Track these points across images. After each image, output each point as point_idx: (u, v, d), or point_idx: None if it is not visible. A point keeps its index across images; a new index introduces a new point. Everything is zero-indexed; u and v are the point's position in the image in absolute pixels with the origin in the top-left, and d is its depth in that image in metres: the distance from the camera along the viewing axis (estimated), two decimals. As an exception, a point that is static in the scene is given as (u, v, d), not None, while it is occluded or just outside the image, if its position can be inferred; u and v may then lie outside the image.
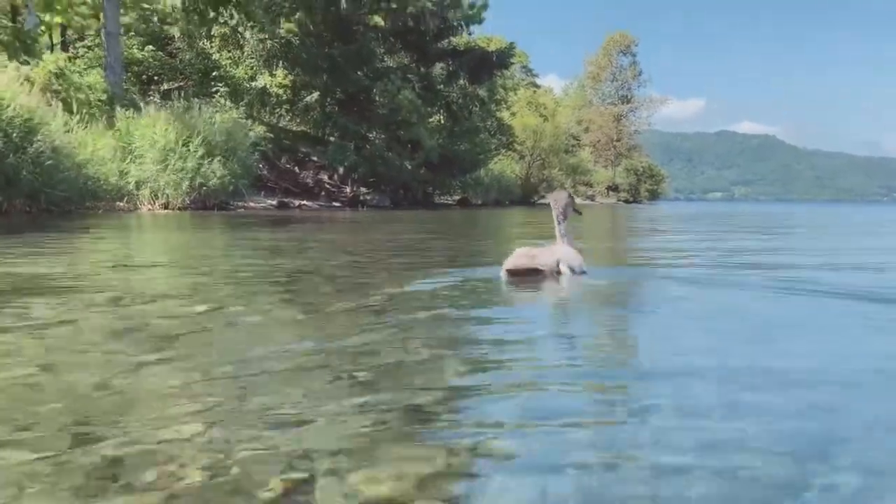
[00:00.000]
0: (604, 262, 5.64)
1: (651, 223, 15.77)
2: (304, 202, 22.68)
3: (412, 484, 1.28)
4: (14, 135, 11.94)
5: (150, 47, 26.13)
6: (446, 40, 29.40)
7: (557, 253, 4.18)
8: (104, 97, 17.39)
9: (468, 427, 1.59)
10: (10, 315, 2.80)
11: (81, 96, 16.38)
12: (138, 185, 15.31)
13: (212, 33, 26.64)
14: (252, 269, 4.82)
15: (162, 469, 1.31)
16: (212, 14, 24.80)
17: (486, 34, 42.63)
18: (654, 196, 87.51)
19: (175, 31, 26.52)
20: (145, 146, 15.71)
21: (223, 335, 2.53)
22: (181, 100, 18.07)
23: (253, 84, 26.84)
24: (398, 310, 3.06)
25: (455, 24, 28.48)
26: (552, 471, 1.35)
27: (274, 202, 20.93)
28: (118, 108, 16.43)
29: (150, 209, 15.18)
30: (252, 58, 27.09)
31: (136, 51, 25.66)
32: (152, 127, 16.04)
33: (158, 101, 18.59)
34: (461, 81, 29.63)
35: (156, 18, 26.44)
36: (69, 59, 18.91)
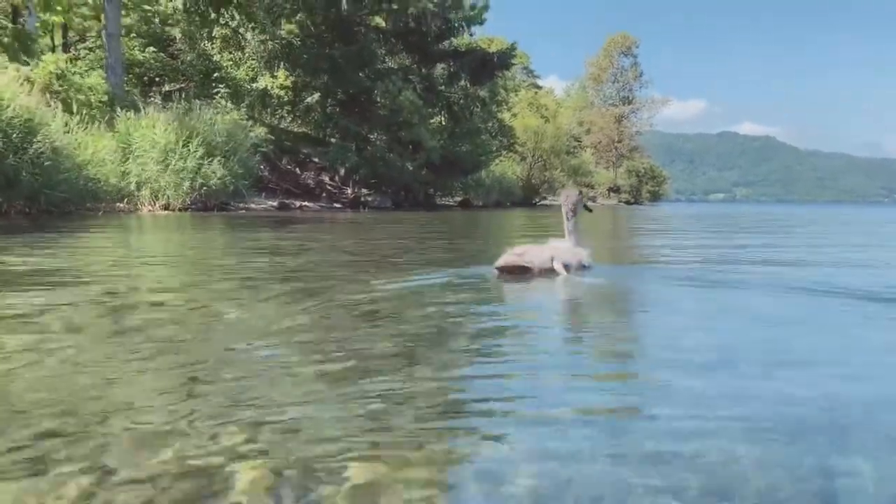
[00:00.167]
0: (602, 260, 5.61)
1: (653, 223, 15.74)
2: (306, 203, 22.65)
3: (408, 481, 1.26)
4: (14, 135, 11.92)
5: (152, 48, 26.12)
6: (447, 41, 29.38)
7: (552, 251, 4.18)
8: (105, 98, 17.38)
9: (461, 420, 1.57)
10: None
11: (82, 97, 16.37)
12: (139, 186, 15.28)
13: (213, 35, 26.66)
14: (250, 268, 4.80)
15: (137, 463, 1.30)
16: (213, 15, 24.84)
17: (487, 35, 42.65)
18: (655, 197, 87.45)
19: (176, 33, 26.55)
20: (145, 147, 15.69)
21: (213, 333, 2.51)
22: (182, 101, 18.07)
23: (254, 85, 26.83)
24: (393, 307, 3.06)
25: (456, 25, 28.46)
26: (554, 462, 1.34)
27: (275, 203, 20.90)
28: (119, 110, 16.41)
29: (150, 210, 15.16)
30: (253, 59, 27.09)
31: (137, 52, 25.65)
32: (152, 128, 16.03)
33: (160, 102, 18.56)
34: (462, 82, 29.61)
35: (157, 20, 26.50)
36: (70, 60, 18.90)
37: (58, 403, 1.66)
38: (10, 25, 18.11)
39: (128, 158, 15.45)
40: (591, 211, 5.06)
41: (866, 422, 1.64)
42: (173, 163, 15.73)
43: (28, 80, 14.38)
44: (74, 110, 15.12)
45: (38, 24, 20.20)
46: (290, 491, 1.23)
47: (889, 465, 1.39)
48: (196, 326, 2.61)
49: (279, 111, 28.03)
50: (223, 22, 25.82)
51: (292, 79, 26.99)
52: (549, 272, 4.11)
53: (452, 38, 29.55)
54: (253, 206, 19.07)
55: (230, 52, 27.71)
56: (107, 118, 16.06)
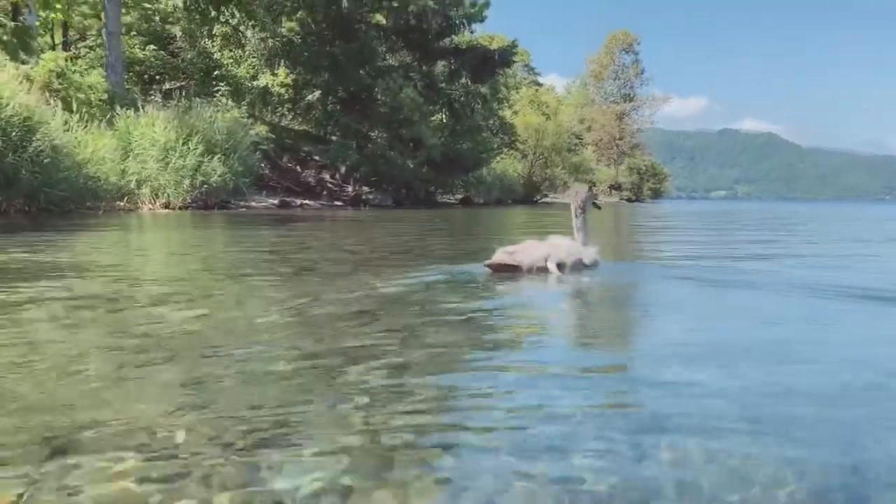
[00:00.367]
0: (604, 257, 5.57)
1: (654, 220, 15.70)
2: (306, 201, 22.63)
3: (406, 483, 1.23)
4: (13, 134, 11.88)
5: (152, 47, 26.10)
6: (448, 38, 29.32)
7: (548, 249, 4.14)
8: (105, 97, 17.35)
9: (453, 415, 1.54)
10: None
11: (82, 96, 16.34)
12: (139, 185, 15.25)
13: (213, 32, 26.60)
14: (246, 266, 4.77)
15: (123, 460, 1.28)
16: (213, 13, 24.78)
17: (487, 33, 42.59)
18: (656, 195, 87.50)
19: (177, 31, 26.52)
20: (145, 145, 15.66)
21: (209, 332, 2.47)
22: (183, 99, 18.04)
23: (254, 83, 26.79)
24: (379, 305, 3.04)
25: (457, 22, 28.40)
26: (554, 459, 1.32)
27: (276, 201, 20.88)
28: (119, 108, 16.39)
29: (150, 209, 15.12)
30: (254, 57, 27.03)
31: (137, 50, 25.63)
32: (152, 126, 16.00)
33: (160, 100, 18.53)
34: (463, 80, 29.55)
35: (157, 18, 26.47)
36: (71, 58, 18.87)
37: (42, 402, 1.63)
38: (9, 23, 18.05)
39: (128, 157, 15.41)
40: (600, 208, 4.99)
41: (867, 420, 1.60)
42: (173, 161, 15.71)
43: (27, 78, 14.33)
44: (74, 109, 15.09)
45: (38, 23, 20.15)
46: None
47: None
48: (185, 323, 2.58)
49: (280, 109, 27.98)
50: (223, 20, 25.76)
51: (293, 76, 26.92)
52: (543, 271, 4.07)
53: (453, 36, 29.48)
54: (253, 204, 19.05)
55: (231, 50, 27.66)
56: (107, 117, 16.02)
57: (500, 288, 3.70)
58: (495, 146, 36.29)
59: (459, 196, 33.43)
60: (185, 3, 24.45)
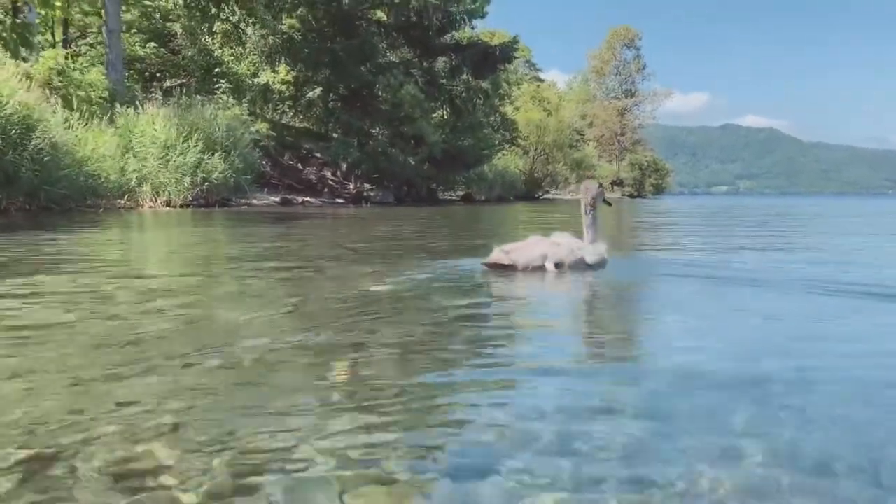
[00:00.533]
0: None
1: (657, 216, 15.66)
2: (308, 199, 22.59)
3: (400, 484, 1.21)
4: (13, 132, 11.84)
5: (153, 44, 26.05)
6: (449, 35, 29.22)
7: (547, 248, 4.11)
8: (105, 94, 17.32)
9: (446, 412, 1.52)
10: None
11: (82, 93, 16.30)
12: (139, 182, 15.21)
13: (214, 30, 26.52)
14: (245, 264, 4.73)
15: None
16: (213, 10, 24.73)
17: (488, 29, 42.46)
18: (658, 190, 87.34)
19: (177, 28, 26.46)
20: (146, 142, 15.63)
21: (206, 329, 2.43)
22: (183, 96, 18.01)
23: (255, 80, 26.73)
24: (385, 304, 3.01)
25: (458, 18, 28.31)
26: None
27: (277, 199, 20.84)
28: (119, 106, 16.35)
29: (151, 206, 15.09)
30: (254, 54, 26.96)
31: (138, 48, 25.58)
32: (152, 124, 15.97)
33: (160, 98, 18.48)
34: (464, 76, 29.47)
35: (158, 15, 26.42)
36: (71, 56, 18.83)
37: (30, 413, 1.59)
38: (8, 20, 18.00)
39: (128, 154, 15.38)
40: (610, 205, 4.92)
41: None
42: (173, 158, 15.68)
43: (27, 75, 14.29)
44: (74, 106, 15.05)
45: (38, 21, 20.10)
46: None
47: None
48: (177, 322, 2.54)
49: (281, 106, 27.92)
50: (224, 17, 25.70)
51: (294, 74, 26.86)
52: (539, 269, 4.06)
53: (454, 32, 29.39)
54: (255, 201, 19.01)
55: (231, 48, 27.59)
56: (107, 115, 15.98)
57: (494, 287, 3.68)
58: (497, 142, 36.18)
59: (461, 193, 33.35)
60: (185, 0, 24.41)
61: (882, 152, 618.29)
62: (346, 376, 1.76)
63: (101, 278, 3.95)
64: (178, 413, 1.59)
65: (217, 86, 25.31)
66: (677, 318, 2.90)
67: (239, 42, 27.28)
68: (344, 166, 25.50)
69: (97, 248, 6.06)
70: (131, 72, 24.88)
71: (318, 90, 26.78)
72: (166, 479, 1.26)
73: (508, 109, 41.98)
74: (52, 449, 1.38)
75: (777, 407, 1.67)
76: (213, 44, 27.23)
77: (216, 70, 26.39)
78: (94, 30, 24.83)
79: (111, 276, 4.11)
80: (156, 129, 15.87)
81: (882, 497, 1.24)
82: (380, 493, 1.21)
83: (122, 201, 14.70)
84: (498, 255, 4.09)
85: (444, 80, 29.22)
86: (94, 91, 17.04)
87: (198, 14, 24.99)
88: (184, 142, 16.00)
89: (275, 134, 25.59)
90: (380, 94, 26.44)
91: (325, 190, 25.18)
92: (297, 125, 28.11)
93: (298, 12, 26.06)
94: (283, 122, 27.77)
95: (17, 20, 18.32)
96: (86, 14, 23.79)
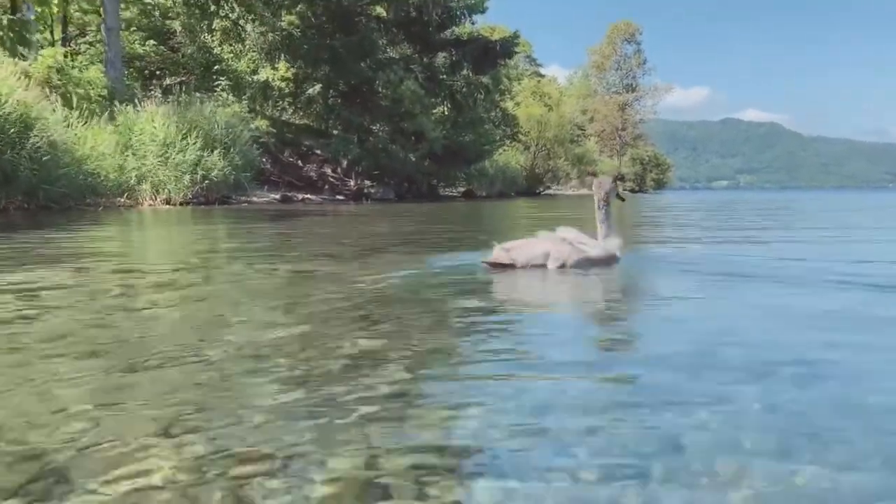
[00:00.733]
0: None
1: (659, 213, 15.60)
2: (308, 196, 22.53)
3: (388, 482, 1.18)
4: (11, 131, 11.79)
5: (152, 42, 25.98)
6: (449, 30, 29.15)
7: (549, 246, 4.06)
8: (104, 92, 17.26)
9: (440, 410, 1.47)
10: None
11: (81, 91, 16.24)
12: (139, 180, 15.16)
13: (213, 27, 26.44)
14: (241, 263, 4.68)
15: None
16: (213, 7, 24.68)
17: (488, 24, 42.37)
18: (659, 185, 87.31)
19: (176, 26, 26.38)
20: (145, 140, 15.59)
21: (199, 328, 2.37)
22: (183, 94, 17.95)
23: (255, 77, 26.66)
24: (382, 303, 2.95)
25: (458, 13, 28.24)
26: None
27: (277, 196, 20.79)
28: (118, 104, 16.30)
29: (151, 205, 15.04)
30: (254, 51, 26.89)
31: (137, 46, 25.52)
32: (152, 121, 15.92)
33: (160, 95, 18.42)
34: (465, 71, 29.39)
35: (157, 13, 26.35)
36: (71, 54, 18.77)
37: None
38: (5, 19, 17.92)
39: (127, 153, 15.33)
40: (623, 200, 4.81)
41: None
42: (173, 155, 15.63)
43: (26, 74, 14.23)
44: (74, 105, 15.00)
45: (34, 17, 20.04)
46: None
47: None
48: (173, 319, 2.48)
49: (280, 103, 27.85)
50: (223, 14, 25.64)
51: (293, 70, 26.79)
52: (541, 267, 4.01)
53: (454, 27, 29.31)
54: (255, 199, 18.95)
55: (231, 45, 27.51)
56: (106, 112, 15.92)
57: (492, 285, 3.64)
58: (497, 138, 36.15)
59: (462, 189, 33.32)
60: (184, -3, 24.39)
61: (882, 146, 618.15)
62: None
63: (95, 276, 3.89)
64: (166, 416, 1.52)
65: (217, 83, 25.26)
66: (680, 314, 2.83)
67: (238, 39, 27.18)
68: (344, 163, 25.45)
69: (93, 246, 6.00)
70: (131, 70, 24.82)
71: (318, 87, 26.70)
72: (157, 484, 1.20)
73: (509, 105, 41.94)
74: (35, 452, 1.32)
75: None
76: (213, 41, 27.15)
77: (216, 67, 26.32)
78: (94, 28, 24.76)
79: (105, 272, 4.05)
80: (155, 127, 15.83)
81: None
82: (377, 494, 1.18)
83: (122, 200, 14.64)
84: (498, 253, 4.05)
85: (445, 76, 29.15)
86: (93, 89, 16.99)
87: (197, 11, 24.95)
88: (183, 139, 15.95)
89: (275, 131, 25.53)
90: (380, 90, 26.38)
91: (326, 187, 25.12)
92: (297, 122, 28.04)
93: (297, 9, 25.96)
94: (283, 119, 27.70)
95: (15, 18, 18.22)
96: (85, 12, 23.73)
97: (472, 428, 1.49)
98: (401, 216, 12.46)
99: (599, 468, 1.28)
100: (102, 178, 14.11)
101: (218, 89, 24.34)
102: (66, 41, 23.85)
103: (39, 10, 20.33)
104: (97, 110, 15.76)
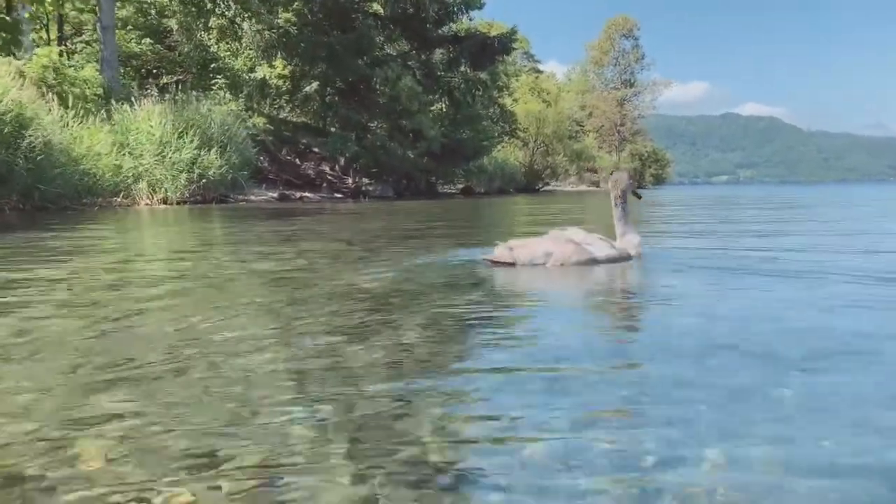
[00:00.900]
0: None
1: (660, 209, 15.54)
2: (306, 194, 22.47)
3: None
4: (5, 130, 11.72)
5: (148, 40, 25.92)
6: (446, 26, 29.04)
7: (547, 246, 4.01)
8: (100, 92, 17.19)
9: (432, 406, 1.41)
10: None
11: (76, 91, 16.16)
12: (136, 180, 15.09)
13: (209, 25, 26.36)
14: (236, 263, 4.61)
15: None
16: (209, 5, 24.59)
17: (486, 20, 42.26)
18: (658, 181, 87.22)
19: (173, 24, 26.30)
20: (142, 139, 15.52)
21: (182, 329, 2.31)
22: (180, 93, 17.88)
23: (252, 75, 26.58)
24: (380, 302, 2.89)
25: (455, 9, 28.13)
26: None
27: (275, 194, 20.72)
28: (114, 103, 16.23)
29: (147, 204, 14.98)
30: (250, 49, 26.81)
31: (133, 44, 25.45)
32: (148, 120, 15.86)
33: (157, 94, 18.36)
34: (462, 68, 29.29)
35: (153, 11, 26.29)
36: (67, 53, 18.70)
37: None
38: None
39: (124, 152, 15.26)
40: (640, 197, 4.66)
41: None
42: (169, 154, 15.57)
43: (21, 73, 14.16)
44: (69, 104, 14.93)
45: (27, 15, 19.94)
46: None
47: None
48: (162, 321, 2.41)
49: (278, 101, 27.77)
50: (219, 12, 25.55)
51: (290, 68, 26.71)
52: (542, 266, 3.97)
53: (451, 24, 29.20)
54: (252, 197, 18.88)
55: (227, 43, 27.44)
56: (100, 112, 15.85)
57: (494, 284, 3.58)
58: (496, 134, 36.08)
59: (460, 186, 33.26)
60: (180, -5, 24.30)
61: (883, 139, 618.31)
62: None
63: (82, 276, 3.83)
64: (152, 424, 1.46)
65: (213, 81, 25.19)
66: (684, 312, 2.76)
67: (235, 37, 27.10)
68: (342, 161, 25.37)
69: (86, 245, 5.93)
70: (127, 69, 24.78)
71: (316, 84, 26.61)
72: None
73: (507, 101, 41.87)
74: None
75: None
76: (209, 39, 27.08)
77: (212, 66, 26.27)
78: (90, 27, 24.71)
79: (93, 272, 3.99)
80: (151, 126, 15.77)
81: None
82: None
83: (119, 199, 14.59)
84: (500, 251, 4.05)
85: (442, 73, 29.05)
86: (88, 88, 16.91)
87: (193, 10, 24.86)
88: (179, 138, 15.89)
89: (272, 129, 25.46)
90: (377, 87, 26.26)
91: (324, 185, 25.06)
92: (294, 120, 27.96)
93: (294, 6, 25.86)
94: (281, 116, 27.62)
95: (4, 18, 18.12)
96: (81, 11, 23.66)
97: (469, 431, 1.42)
98: (400, 214, 12.40)
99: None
100: (99, 177, 14.04)
101: (215, 87, 24.28)
102: (62, 40, 23.80)
103: (34, 8, 20.22)
104: (93, 109, 15.69)
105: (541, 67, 67.46)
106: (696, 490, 1.18)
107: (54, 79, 15.80)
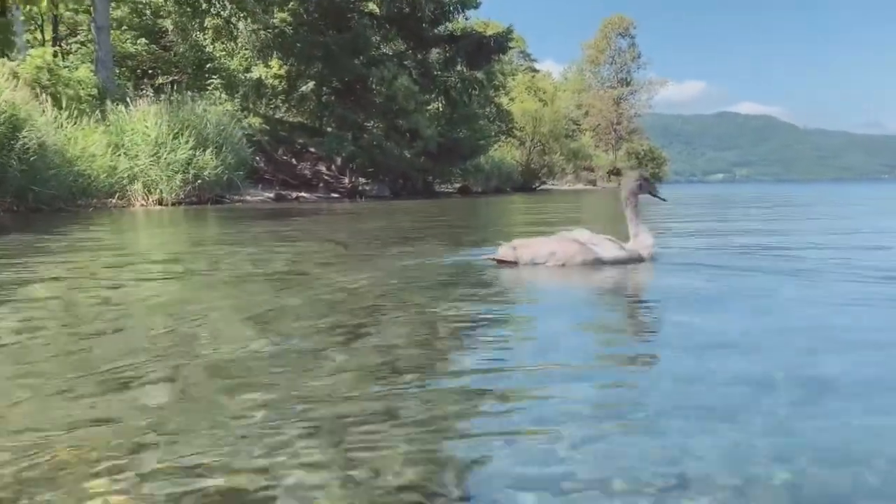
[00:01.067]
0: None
1: (660, 206, 15.47)
2: (303, 194, 22.40)
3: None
4: (-1, 131, 11.66)
5: (143, 41, 25.85)
6: (442, 26, 28.97)
7: (551, 246, 3.99)
8: (94, 92, 17.11)
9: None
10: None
11: (70, 91, 16.08)
12: (131, 181, 15.01)
13: (205, 25, 26.28)
14: (235, 262, 4.57)
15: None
16: (204, 5, 24.51)
17: (482, 19, 42.19)
18: (655, 179, 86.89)
19: (168, 24, 26.23)
20: (137, 140, 15.45)
21: (167, 330, 2.26)
22: (175, 93, 17.80)
23: (248, 75, 26.51)
24: (376, 301, 2.85)
25: (451, 9, 28.06)
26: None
27: (271, 195, 20.65)
28: (109, 104, 16.15)
29: (143, 205, 14.90)
30: (246, 49, 26.74)
31: (129, 45, 25.38)
32: (143, 121, 15.78)
33: (152, 95, 18.27)
34: (459, 67, 29.22)
35: (148, 11, 26.22)
36: (62, 54, 18.62)
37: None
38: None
39: (119, 152, 15.18)
40: (664, 200, 4.57)
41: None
42: (164, 155, 15.49)
43: (14, 74, 14.08)
44: (63, 105, 14.85)
45: (22, 18, 19.84)
46: None
47: None
48: (159, 325, 2.37)
49: (274, 101, 27.70)
50: (215, 12, 25.47)
51: (286, 68, 26.63)
52: (545, 266, 3.95)
53: (447, 23, 29.14)
54: (248, 198, 18.81)
55: (223, 43, 27.37)
56: (95, 112, 15.77)
57: (495, 284, 3.56)
58: (493, 134, 36.02)
59: (457, 185, 33.21)
60: (175, -5, 24.23)
61: (879, 138, 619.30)
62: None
63: (70, 280, 3.78)
64: (137, 432, 1.41)
65: (209, 81, 25.11)
66: (687, 314, 2.72)
67: (230, 37, 27.04)
68: (339, 161, 25.29)
69: (78, 249, 5.88)
70: (123, 69, 24.70)
71: (311, 84, 26.54)
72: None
73: (504, 100, 41.82)
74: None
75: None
76: (205, 39, 27.01)
77: (208, 66, 26.21)
78: (85, 27, 24.63)
79: (83, 275, 3.94)
80: (147, 127, 15.68)
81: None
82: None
83: (114, 200, 14.51)
84: (505, 250, 4.07)
85: (439, 72, 28.98)
86: (83, 89, 16.82)
87: (188, 9, 24.79)
88: (174, 139, 15.81)
89: (268, 129, 25.37)
90: (373, 86, 26.17)
91: (320, 185, 24.98)
92: (290, 120, 27.86)
93: (290, 6, 25.79)
94: (277, 116, 27.52)
95: (1, 19, 18.02)
96: (76, 11, 23.58)
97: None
98: (397, 214, 12.36)
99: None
100: (93, 178, 13.97)
101: (210, 88, 24.20)
102: (57, 41, 23.72)
103: (27, 9, 20.13)
104: (87, 110, 15.60)
105: (537, 66, 67.40)
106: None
107: (48, 80, 15.72)
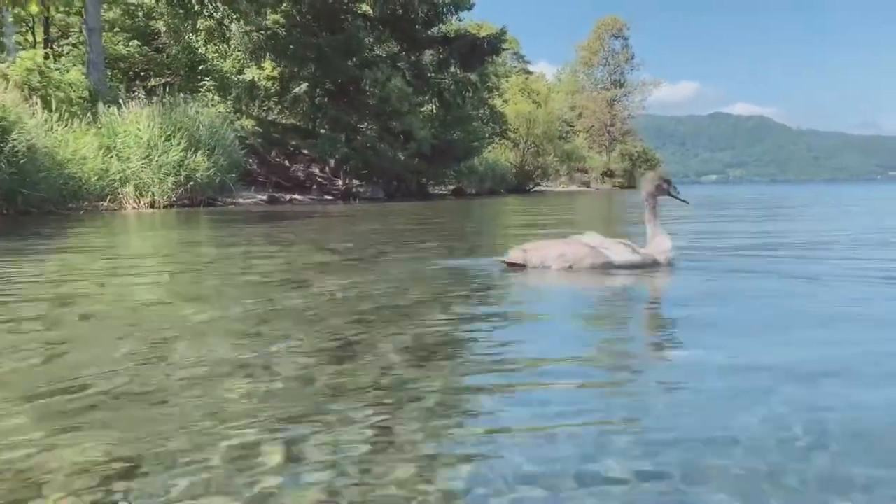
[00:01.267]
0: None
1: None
2: (296, 196, 22.32)
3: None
4: (-13, 134, 11.56)
5: (136, 42, 25.74)
6: (436, 27, 28.93)
7: (560, 249, 3.95)
8: (85, 94, 17.00)
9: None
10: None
11: (61, 94, 15.97)
12: (122, 183, 14.91)
13: (197, 27, 26.18)
14: (223, 267, 4.50)
15: None
16: (196, 7, 24.41)
17: (475, 21, 42.20)
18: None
19: (160, 26, 26.13)
20: (129, 142, 15.35)
21: (163, 335, 2.19)
22: (167, 95, 17.71)
23: (240, 77, 26.42)
24: (372, 303, 2.78)
25: (444, 10, 28.01)
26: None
27: (264, 197, 20.57)
28: (101, 106, 16.05)
29: (134, 208, 14.80)
30: (239, 50, 26.64)
31: (121, 47, 25.27)
32: (136, 123, 15.68)
33: (144, 97, 18.16)
34: (452, 69, 29.17)
35: (141, 13, 26.11)
36: (54, 56, 18.50)
37: None
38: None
39: (111, 155, 15.07)
40: (686, 202, 4.38)
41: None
42: (156, 157, 15.39)
43: (4, 76, 13.98)
44: (54, 107, 14.74)
45: (11, 18, 19.71)
46: None
47: None
48: (151, 329, 2.29)
49: (267, 103, 27.60)
50: (207, 14, 25.36)
51: (279, 69, 26.54)
52: (553, 269, 3.92)
53: (441, 24, 29.09)
54: (241, 200, 18.72)
55: (215, 45, 27.27)
56: (87, 114, 15.66)
57: (498, 286, 3.55)
58: (486, 135, 35.99)
59: (451, 187, 33.16)
60: (167, -3, 24.12)
61: (873, 138, 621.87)
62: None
63: (57, 282, 3.70)
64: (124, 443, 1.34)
65: (202, 83, 25.01)
66: (689, 319, 2.66)
67: (223, 39, 26.91)
68: (332, 162, 25.21)
69: (69, 250, 5.80)
70: (115, 71, 24.60)
71: (304, 86, 26.45)
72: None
73: (497, 102, 41.82)
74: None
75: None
76: (197, 41, 26.91)
77: (200, 68, 26.12)
78: (76, 29, 24.52)
79: (71, 279, 3.86)
80: (139, 129, 15.59)
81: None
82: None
83: (105, 203, 14.41)
84: (515, 253, 4.07)
85: (432, 74, 28.92)
86: (73, 91, 16.72)
87: (181, 11, 24.67)
88: (166, 141, 15.71)
89: (261, 131, 25.29)
90: (367, 88, 26.09)
91: (314, 187, 24.89)
92: (283, 122, 27.78)
93: (282, 7, 25.70)
94: (270, 118, 27.43)
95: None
96: (67, 13, 23.46)
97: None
98: (390, 216, 12.30)
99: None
100: (84, 181, 13.86)
101: (203, 90, 24.11)
102: (48, 43, 23.59)
103: (16, 11, 20.01)
104: (78, 112, 15.50)
105: (531, 68, 67.48)
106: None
107: (39, 82, 15.61)
